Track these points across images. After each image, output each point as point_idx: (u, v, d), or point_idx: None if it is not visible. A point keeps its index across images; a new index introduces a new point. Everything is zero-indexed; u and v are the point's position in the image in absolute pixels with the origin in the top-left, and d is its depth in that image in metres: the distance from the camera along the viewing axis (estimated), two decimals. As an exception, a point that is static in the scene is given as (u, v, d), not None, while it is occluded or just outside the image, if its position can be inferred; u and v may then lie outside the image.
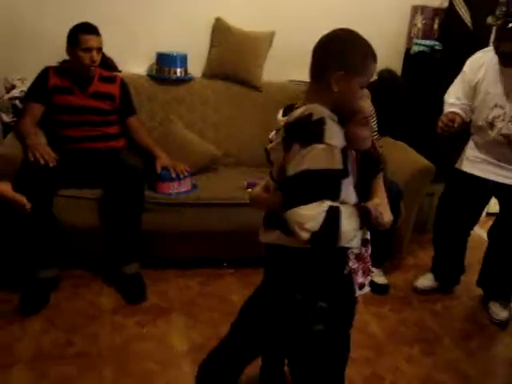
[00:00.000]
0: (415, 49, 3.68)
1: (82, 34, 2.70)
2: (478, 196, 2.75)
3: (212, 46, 3.45)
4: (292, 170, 1.39)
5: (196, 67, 3.45)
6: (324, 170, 1.36)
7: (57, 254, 2.65)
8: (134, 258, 2.72)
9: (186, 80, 3.36)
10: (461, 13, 3.54)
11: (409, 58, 3.77)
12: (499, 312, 2.78)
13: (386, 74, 3.69)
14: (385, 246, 2.80)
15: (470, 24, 3.50)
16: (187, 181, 2.88)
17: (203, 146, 3.19)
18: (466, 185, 2.74)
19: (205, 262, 3.00)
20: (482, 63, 2.59)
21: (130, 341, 2.36)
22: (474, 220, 2.86)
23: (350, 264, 1.62)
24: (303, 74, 3.47)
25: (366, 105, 1.59)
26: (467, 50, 2.88)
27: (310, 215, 1.34)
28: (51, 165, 2.56)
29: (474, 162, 2.69)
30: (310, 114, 1.39)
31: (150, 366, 2.22)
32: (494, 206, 3.21)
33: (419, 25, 3.72)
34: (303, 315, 1.55)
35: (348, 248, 1.52)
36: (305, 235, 1.35)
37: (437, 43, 3.64)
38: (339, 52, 1.46)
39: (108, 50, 2.94)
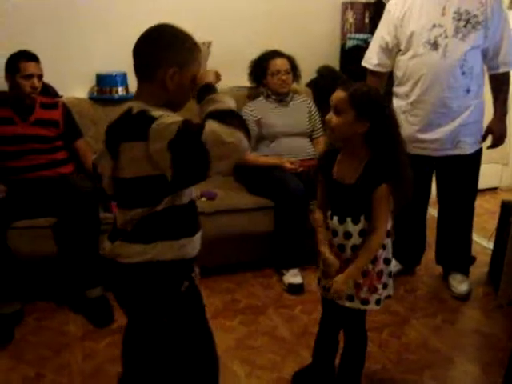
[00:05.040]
0: (350, 43, 3.78)
1: (22, 61, 2.68)
2: (423, 170, 2.79)
3: (150, 61, 3.45)
4: (158, 144, 1.27)
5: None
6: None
7: (17, 288, 2.61)
8: (96, 282, 2.69)
9: (128, 99, 3.29)
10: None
11: (345, 52, 3.86)
12: (458, 285, 2.87)
13: (325, 71, 3.79)
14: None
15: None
16: (141, 198, 2.87)
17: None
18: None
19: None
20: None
21: (102, 364, 2.33)
22: (426, 195, 2.92)
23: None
24: (242, 80, 3.55)
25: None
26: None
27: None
28: (0, 197, 2.52)
29: (410, 141, 2.68)
30: (130, 109, 1.35)
31: (125, 387, 2.20)
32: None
33: (351, 20, 3.82)
34: (141, 330, 1.53)
35: (183, 263, 1.48)
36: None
37: (370, 36, 3.74)
38: (168, 48, 1.40)
39: (46, 77, 2.90)
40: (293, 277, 2.93)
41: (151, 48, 1.42)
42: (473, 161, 2.76)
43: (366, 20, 3.85)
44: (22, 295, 2.66)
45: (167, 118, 1.30)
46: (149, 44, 1.43)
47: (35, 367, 2.31)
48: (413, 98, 2.67)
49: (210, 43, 3.39)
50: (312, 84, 3.76)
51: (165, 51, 1.40)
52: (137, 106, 1.36)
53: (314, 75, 3.77)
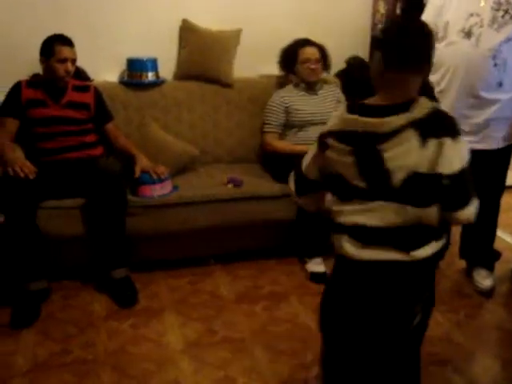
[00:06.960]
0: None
1: (57, 44, 2.72)
2: None
3: (180, 47, 3.48)
4: (450, 167, 1.39)
5: (167, 70, 3.47)
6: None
7: (45, 266, 2.66)
8: (122, 263, 2.73)
9: (158, 83, 3.38)
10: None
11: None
12: (483, 281, 2.84)
13: (355, 62, 3.76)
14: None
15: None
16: (168, 182, 2.90)
17: (180, 147, 3.20)
18: None
19: (192, 261, 3.02)
20: None
21: (125, 344, 2.37)
22: None
23: None
24: (271, 68, 3.54)
25: None
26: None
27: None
28: (31, 177, 2.57)
29: None
30: (438, 109, 1.45)
31: (147, 367, 2.23)
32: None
33: (382, 11, 3.78)
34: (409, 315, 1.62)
35: None
36: None
37: (401, 27, 3.70)
38: (431, 45, 1.53)
39: (78, 60, 2.93)
40: (316, 265, 2.94)
41: (424, 44, 1.51)
42: (502, 156, 2.72)
43: (398, 11, 3.80)
44: (49, 273, 2.71)
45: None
46: (422, 40, 1.50)
47: (61, 343, 2.37)
48: (442, 86, 2.64)
49: (239, 31, 3.43)
50: (341, 74, 3.74)
51: (431, 49, 1.53)
52: (442, 111, 1.47)
53: (343, 65, 3.75)
